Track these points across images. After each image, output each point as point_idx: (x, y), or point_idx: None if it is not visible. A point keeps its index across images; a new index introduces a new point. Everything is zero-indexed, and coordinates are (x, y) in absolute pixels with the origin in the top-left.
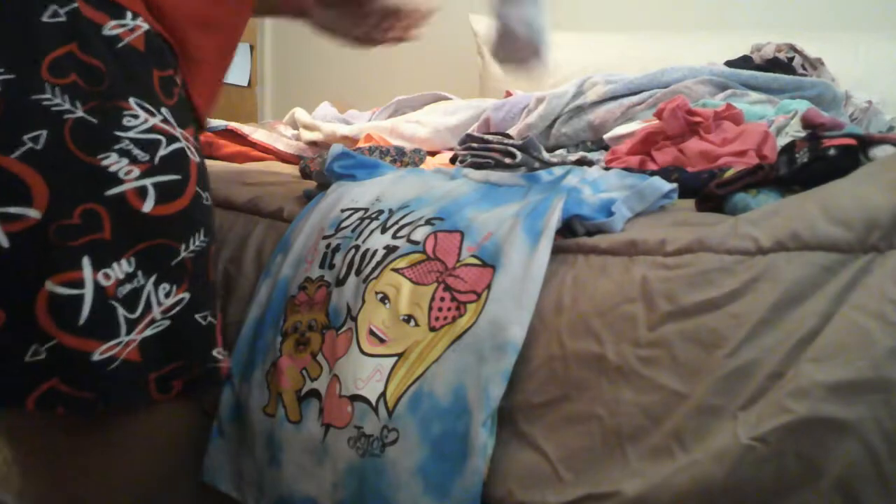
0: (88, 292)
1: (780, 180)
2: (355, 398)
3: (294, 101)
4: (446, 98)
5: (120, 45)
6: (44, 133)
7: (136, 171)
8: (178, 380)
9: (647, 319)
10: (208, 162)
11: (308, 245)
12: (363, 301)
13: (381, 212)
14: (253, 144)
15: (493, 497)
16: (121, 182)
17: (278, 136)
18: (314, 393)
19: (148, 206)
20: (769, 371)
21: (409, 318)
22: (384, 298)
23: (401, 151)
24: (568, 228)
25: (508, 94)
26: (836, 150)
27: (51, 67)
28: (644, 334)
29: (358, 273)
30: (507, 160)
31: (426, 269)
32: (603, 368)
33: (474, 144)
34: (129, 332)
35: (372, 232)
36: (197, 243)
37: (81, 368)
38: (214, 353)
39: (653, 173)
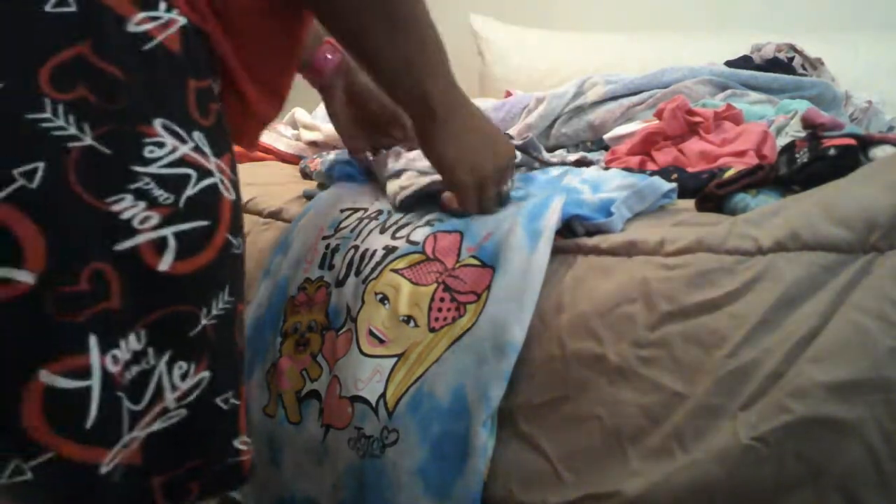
0: (96, 383)
1: (780, 180)
2: (355, 399)
3: (294, 102)
4: None
5: (148, 45)
6: (40, 166)
7: (156, 218)
8: (196, 481)
9: (647, 320)
10: None
11: (308, 245)
12: (363, 302)
13: (380, 212)
14: None
15: (494, 497)
16: (135, 233)
17: (278, 136)
18: (314, 394)
19: (166, 264)
20: (769, 371)
21: (408, 319)
22: (384, 299)
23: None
24: (568, 229)
25: (508, 94)
26: (836, 150)
27: (53, 76)
28: (644, 334)
29: (357, 273)
30: None
31: (426, 270)
32: (603, 369)
33: None
34: (131, 429)
35: (371, 232)
36: (221, 305)
37: (88, 484)
38: (236, 443)
39: (653, 173)
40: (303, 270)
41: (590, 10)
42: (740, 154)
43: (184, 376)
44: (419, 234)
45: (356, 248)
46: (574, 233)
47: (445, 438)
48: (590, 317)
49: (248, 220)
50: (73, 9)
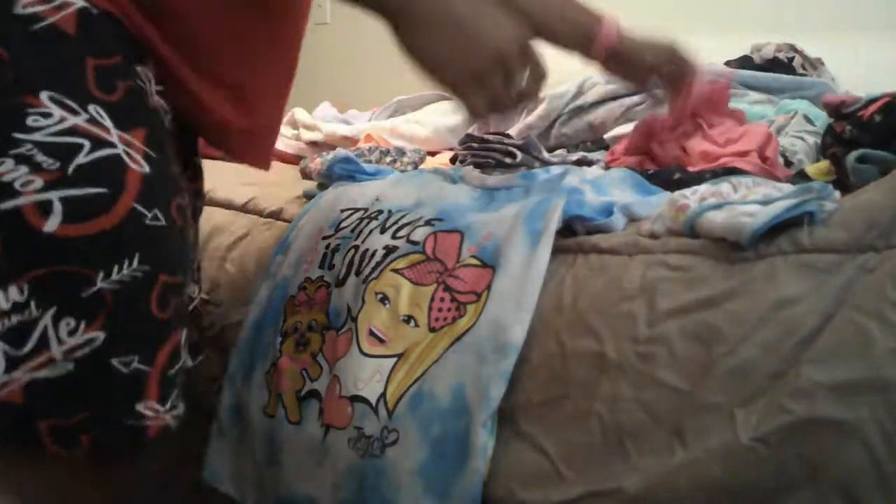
0: None
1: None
2: (355, 399)
3: (294, 101)
4: (446, 98)
5: (38, 25)
6: None
7: (39, 182)
8: (87, 435)
9: (647, 317)
10: (208, 162)
11: (308, 245)
12: (363, 301)
13: (380, 212)
14: None
15: (495, 496)
16: (17, 194)
17: (278, 136)
18: (314, 393)
19: (51, 225)
20: (769, 370)
21: (408, 319)
22: (384, 299)
23: (401, 151)
24: (568, 228)
25: None
26: (879, 116)
27: None
28: (643, 331)
29: (358, 273)
30: (508, 160)
31: (426, 270)
32: (602, 366)
33: (474, 144)
34: (9, 371)
35: (371, 232)
36: (126, 272)
37: None
38: (140, 407)
39: (654, 173)
40: (303, 270)
41: None
42: (742, 154)
43: (71, 332)
44: (419, 234)
45: (356, 247)
46: (575, 233)
47: (445, 438)
48: (589, 315)
49: (248, 220)
50: None
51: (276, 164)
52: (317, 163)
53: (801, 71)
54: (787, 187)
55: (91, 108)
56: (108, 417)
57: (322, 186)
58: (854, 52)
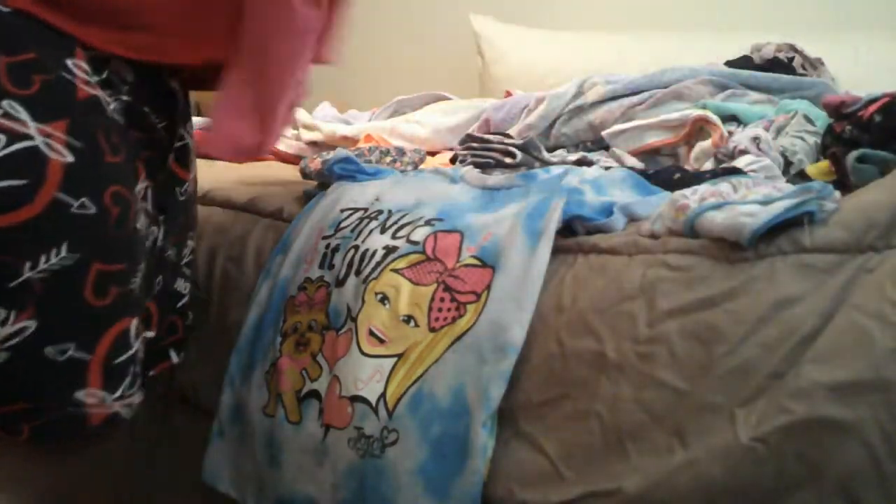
0: None
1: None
2: (355, 399)
3: None
4: (446, 98)
5: None
6: None
7: None
8: (25, 423)
9: (647, 317)
10: (208, 162)
11: (308, 245)
12: (363, 301)
13: (380, 212)
14: None
15: (495, 496)
16: None
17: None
18: (314, 394)
19: None
20: (769, 370)
21: (408, 319)
22: (384, 299)
23: (401, 151)
24: (568, 228)
25: (508, 94)
26: (879, 116)
27: None
28: (643, 331)
29: (357, 273)
30: (508, 160)
31: (426, 270)
32: (602, 366)
33: (475, 144)
34: None
35: (371, 232)
36: (53, 261)
37: None
38: (80, 395)
39: (653, 173)
40: (303, 270)
41: (590, 10)
42: None
43: (2, 322)
44: (419, 234)
45: (356, 247)
46: (574, 233)
47: (445, 438)
48: (589, 314)
49: (248, 220)
50: None
51: (276, 164)
52: (317, 163)
53: (801, 71)
54: (787, 187)
55: (5, 102)
56: (43, 405)
57: (322, 186)
58: (854, 52)
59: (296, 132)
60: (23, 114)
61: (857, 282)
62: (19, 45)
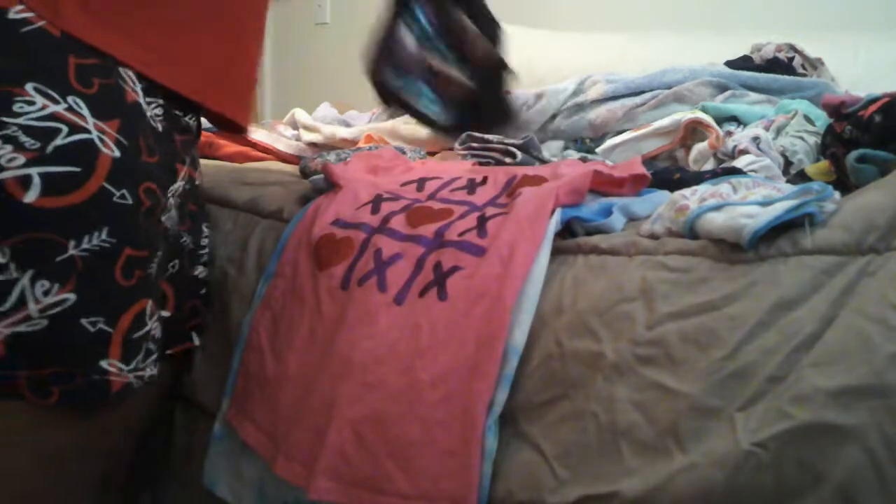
0: None
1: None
2: None
3: (294, 102)
4: None
5: (26, 28)
6: None
7: (21, 159)
8: (56, 386)
9: (646, 318)
10: (208, 162)
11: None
12: None
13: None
14: (253, 144)
15: (494, 497)
16: (1, 169)
17: (278, 136)
18: None
19: (31, 197)
20: (768, 374)
21: None
22: None
23: (401, 152)
24: (568, 229)
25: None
26: (879, 116)
27: None
28: (642, 333)
29: None
30: (508, 160)
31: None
32: (600, 366)
33: (474, 144)
34: None
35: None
36: (94, 242)
37: None
38: (104, 363)
39: (653, 173)
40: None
41: (590, 9)
42: None
43: (46, 293)
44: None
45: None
46: (574, 233)
47: None
48: (588, 315)
49: (249, 220)
50: None
51: (276, 164)
52: (317, 163)
53: (801, 71)
54: (787, 188)
55: (70, 98)
56: (75, 370)
57: (319, 191)
58: (854, 52)
59: (296, 132)
60: (84, 110)
61: (859, 285)
62: (87, 51)
